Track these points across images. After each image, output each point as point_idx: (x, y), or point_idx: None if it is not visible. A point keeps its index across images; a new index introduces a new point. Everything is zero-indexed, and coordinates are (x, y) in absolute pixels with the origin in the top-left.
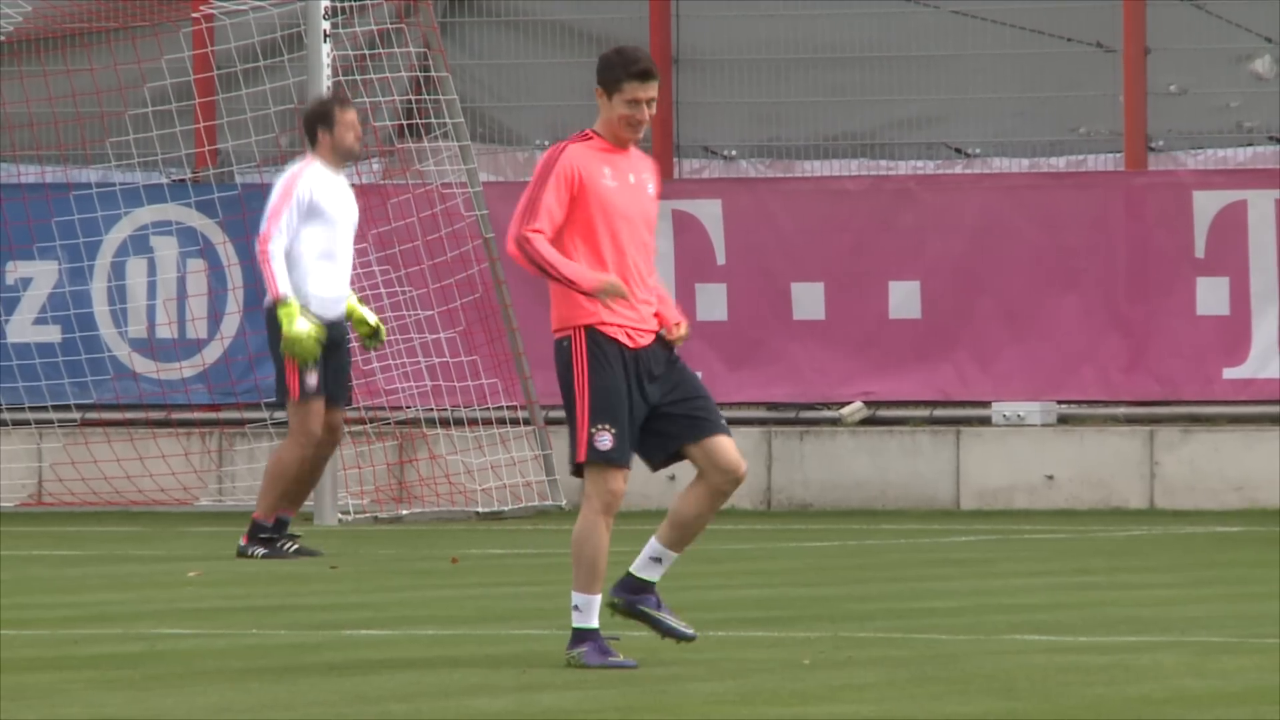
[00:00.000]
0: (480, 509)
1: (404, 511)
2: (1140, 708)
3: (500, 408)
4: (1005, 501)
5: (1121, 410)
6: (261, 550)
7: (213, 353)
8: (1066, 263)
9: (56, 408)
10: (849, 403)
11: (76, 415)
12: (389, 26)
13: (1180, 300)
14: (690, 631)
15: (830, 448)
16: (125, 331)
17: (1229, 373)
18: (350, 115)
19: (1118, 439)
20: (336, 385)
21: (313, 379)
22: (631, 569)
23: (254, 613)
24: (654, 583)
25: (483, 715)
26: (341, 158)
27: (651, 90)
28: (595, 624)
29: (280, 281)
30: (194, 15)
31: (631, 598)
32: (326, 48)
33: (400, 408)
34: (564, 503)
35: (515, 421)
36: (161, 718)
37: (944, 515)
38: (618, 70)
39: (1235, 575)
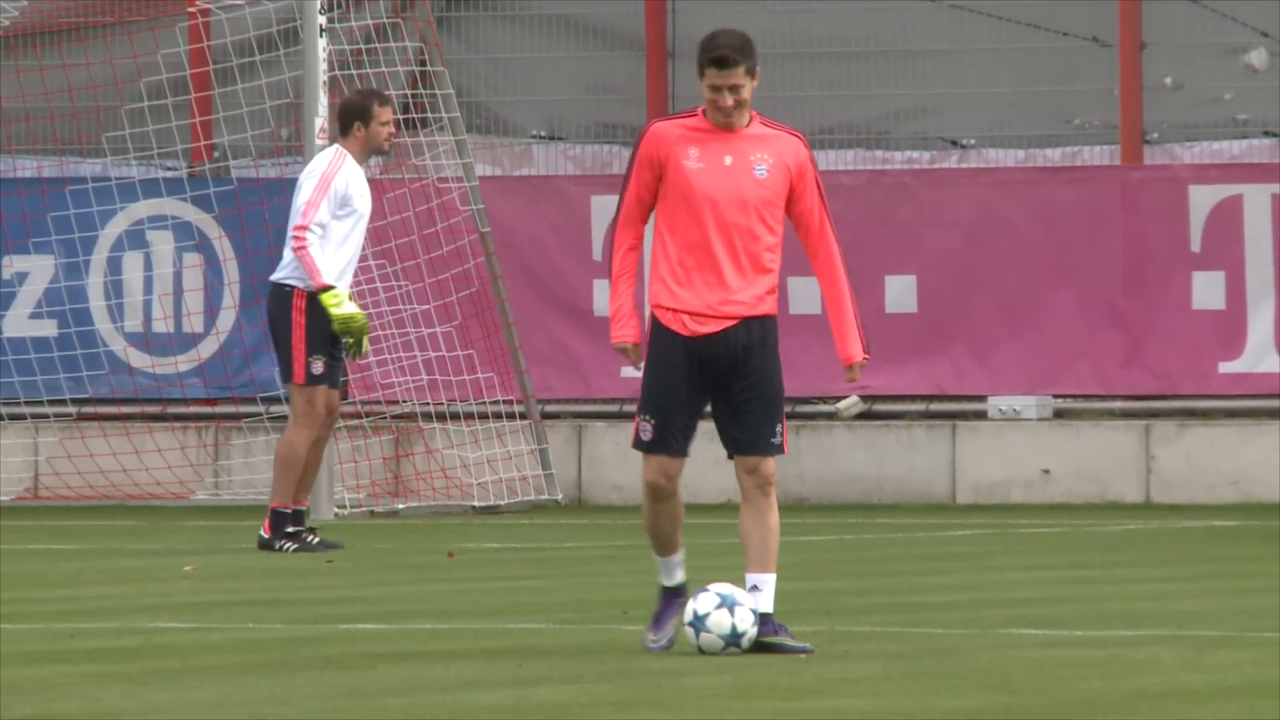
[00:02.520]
0: (476, 503)
1: (400, 506)
2: (1136, 702)
3: (496, 402)
4: (1001, 496)
5: (1117, 404)
6: (291, 545)
7: (209, 347)
8: (1062, 257)
9: (52, 402)
10: (845, 397)
11: (72, 410)
12: (385, 21)
13: (1176, 294)
14: (807, 645)
15: (826, 442)
16: (121, 326)
17: (1225, 367)
18: (387, 113)
19: (1114, 433)
20: (332, 368)
21: (319, 365)
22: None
23: (250, 607)
24: (766, 613)
25: (479, 709)
26: (371, 153)
27: (730, 77)
28: (674, 581)
29: (323, 270)
30: (190, 10)
31: (760, 629)
32: (322, 42)
33: (396, 402)
34: (560, 497)
35: (511, 416)
36: (158, 712)
37: (940, 509)
38: (699, 55)
39: (1231, 569)
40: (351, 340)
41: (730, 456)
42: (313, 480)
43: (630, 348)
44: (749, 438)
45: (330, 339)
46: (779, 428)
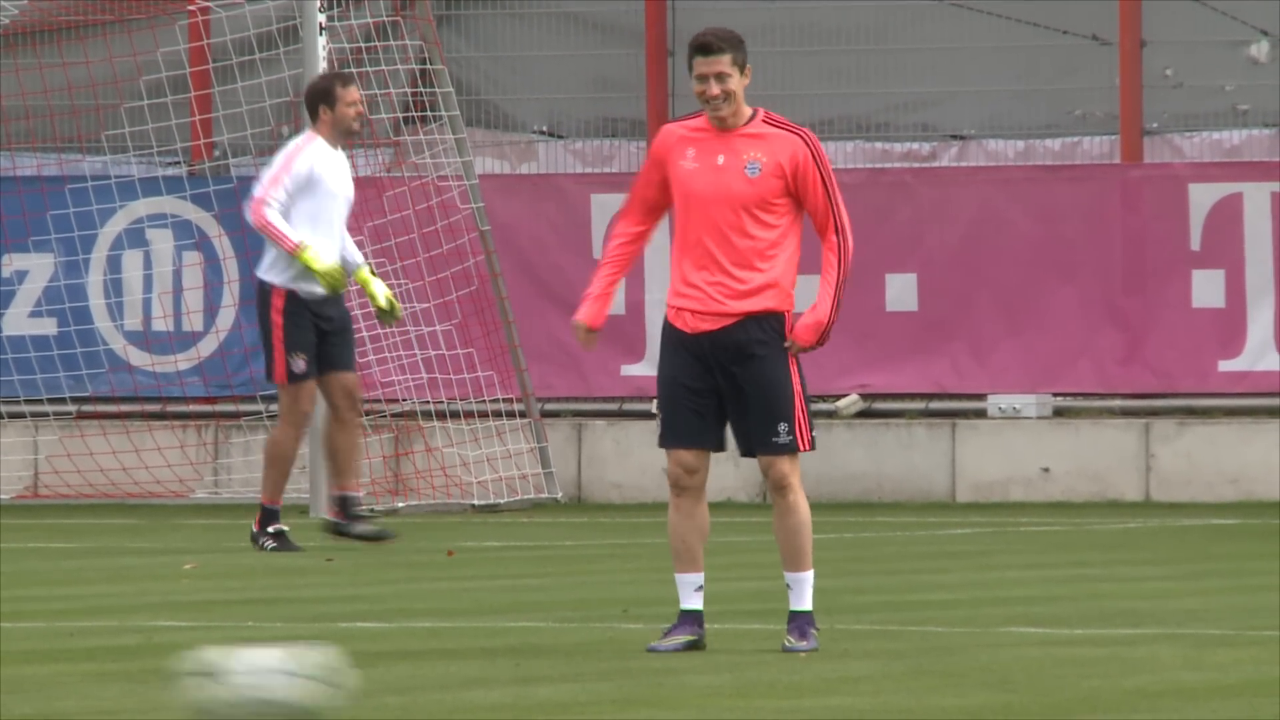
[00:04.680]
0: (476, 501)
1: (400, 504)
2: (1136, 700)
3: (496, 400)
4: (1001, 494)
5: (1117, 403)
6: (272, 544)
7: (208, 345)
8: (1062, 255)
9: (52, 400)
10: (845, 395)
11: (72, 408)
12: (385, 20)
13: (1176, 293)
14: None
15: (826, 440)
16: (121, 324)
17: (1225, 365)
18: (352, 93)
19: (1114, 431)
20: (340, 353)
21: (300, 362)
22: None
23: (250, 605)
24: (802, 611)
25: (479, 707)
26: (342, 134)
27: (714, 64)
28: (687, 606)
29: (288, 232)
30: (190, 8)
31: (790, 628)
32: (322, 40)
33: (396, 400)
34: (560, 495)
35: (511, 414)
36: (158, 711)
37: (940, 508)
38: (688, 48)
39: (1231, 568)
40: (384, 310)
41: (742, 455)
42: (352, 467)
43: (582, 329)
44: (754, 438)
45: (317, 333)
46: (786, 426)
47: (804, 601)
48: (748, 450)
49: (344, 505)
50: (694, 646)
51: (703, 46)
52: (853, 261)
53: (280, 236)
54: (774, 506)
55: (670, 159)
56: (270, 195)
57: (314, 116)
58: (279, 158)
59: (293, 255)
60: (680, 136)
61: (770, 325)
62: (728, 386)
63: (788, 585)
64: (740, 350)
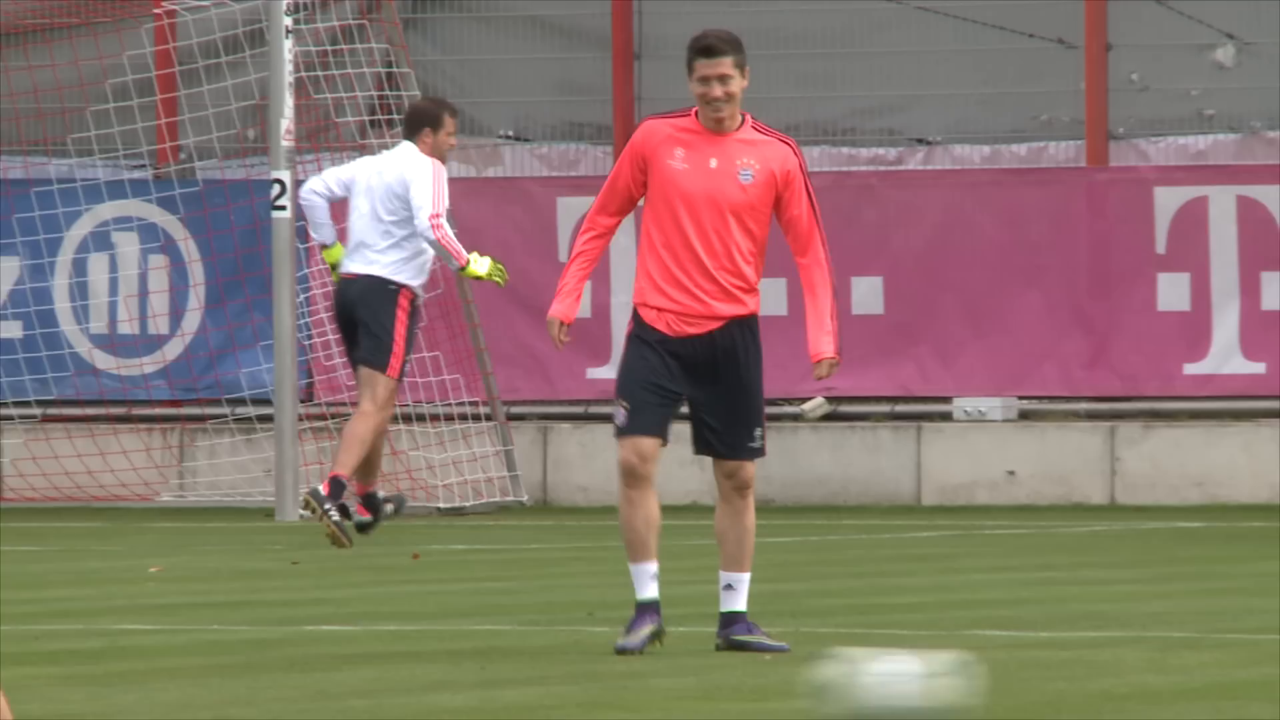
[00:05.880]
0: (442, 505)
1: None
2: (1101, 703)
3: (462, 403)
4: (966, 497)
5: (1083, 406)
6: (335, 514)
7: (174, 349)
8: (1028, 259)
9: (18, 404)
10: (810, 398)
11: (38, 411)
12: (351, 23)
13: (1141, 296)
14: (784, 645)
15: (792, 443)
16: (87, 328)
17: (1190, 368)
18: (454, 125)
19: (1079, 435)
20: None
21: (409, 365)
22: (720, 607)
23: (215, 608)
24: (740, 612)
25: (444, 711)
26: (439, 159)
27: (718, 66)
28: (644, 596)
29: (461, 249)
30: (156, 11)
31: (724, 632)
32: (288, 44)
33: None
34: (525, 498)
35: (477, 417)
36: (123, 714)
37: (905, 511)
38: (688, 54)
39: (1196, 571)
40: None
41: (698, 454)
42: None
43: (558, 324)
44: (730, 443)
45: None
46: (759, 432)
47: (744, 602)
48: (711, 451)
49: (371, 502)
50: (657, 636)
51: (706, 49)
52: None
53: (457, 252)
54: (728, 507)
55: (656, 156)
56: (440, 208)
57: (414, 135)
58: (425, 175)
59: (462, 269)
60: (667, 134)
61: (750, 328)
62: (703, 389)
63: (729, 586)
64: (727, 354)
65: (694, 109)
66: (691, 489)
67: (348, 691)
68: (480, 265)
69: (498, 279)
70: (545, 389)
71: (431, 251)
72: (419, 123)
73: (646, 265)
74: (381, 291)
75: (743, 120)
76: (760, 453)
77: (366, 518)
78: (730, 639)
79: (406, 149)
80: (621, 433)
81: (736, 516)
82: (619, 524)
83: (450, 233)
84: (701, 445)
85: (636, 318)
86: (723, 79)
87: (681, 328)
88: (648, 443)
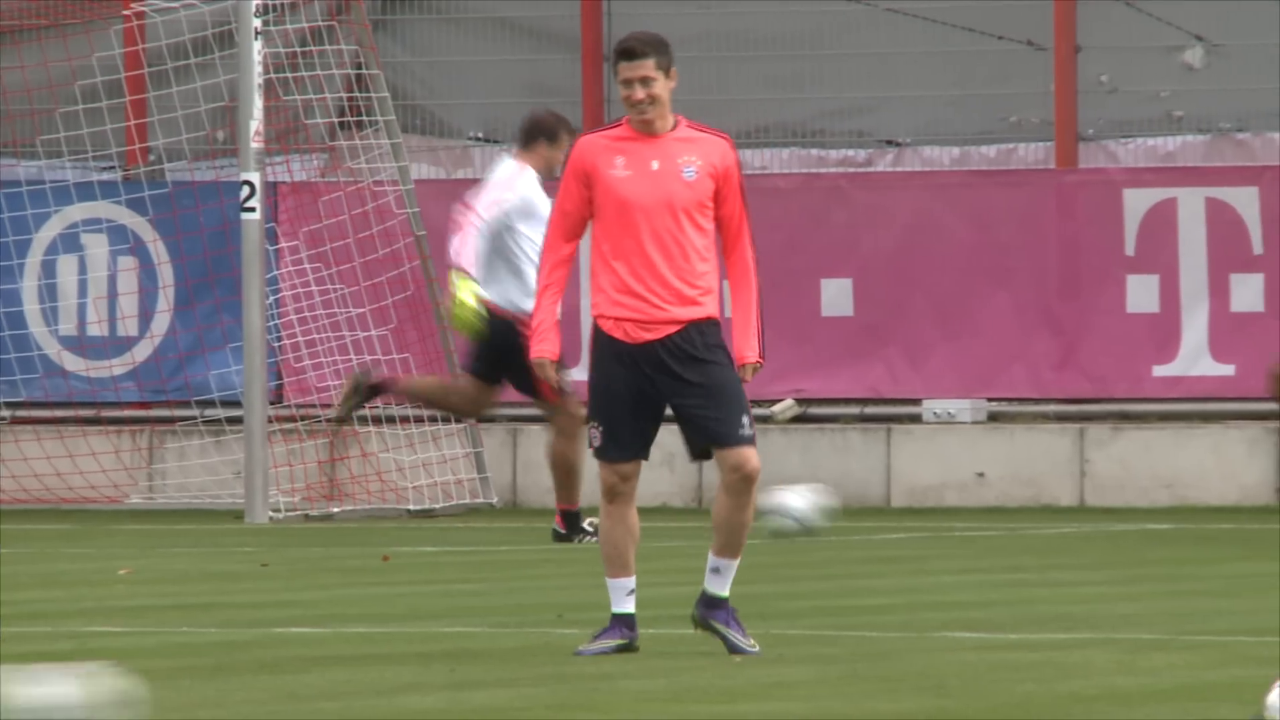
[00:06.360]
0: (411, 506)
1: (335, 509)
2: (1070, 705)
3: None
4: (936, 499)
5: (1052, 408)
6: (591, 537)
7: (143, 350)
8: (997, 260)
9: None
10: (780, 400)
11: (6, 413)
12: (321, 24)
13: (1111, 298)
14: (754, 648)
15: (761, 445)
16: (56, 329)
17: (1159, 370)
18: (567, 144)
19: (1048, 436)
20: (524, 376)
21: (567, 383)
22: (704, 585)
23: (184, 611)
24: (723, 597)
25: (414, 713)
26: (543, 174)
27: (638, 69)
28: (620, 609)
29: (469, 250)
30: (125, 12)
31: (703, 611)
32: (258, 45)
33: (331, 405)
34: (495, 500)
35: (447, 419)
36: None
37: (875, 513)
38: (613, 55)
39: (1165, 573)
40: (466, 327)
41: (693, 459)
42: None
43: (548, 364)
44: (719, 434)
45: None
46: (747, 419)
47: (728, 587)
48: (704, 451)
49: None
50: (625, 649)
51: (626, 51)
52: None
53: (462, 249)
54: (731, 500)
55: (596, 169)
56: (487, 211)
57: (529, 145)
58: (501, 179)
59: (451, 267)
60: (604, 146)
61: (711, 329)
62: (675, 392)
63: (716, 569)
64: (690, 357)
65: (626, 118)
66: (661, 491)
67: (317, 694)
68: (466, 294)
69: (463, 328)
70: (514, 391)
71: (530, 273)
72: (534, 132)
73: (599, 278)
74: (506, 331)
75: (676, 122)
76: (753, 439)
77: (562, 530)
78: (708, 621)
79: (511, 164)
80: (599, 455)
81: (740, 509)
82: (600, 541)
83: (474, 236)
84: (696, 448)
85: (596, 330)
86: (645, 81)
87: (640, 334)
88: (626, 465)
